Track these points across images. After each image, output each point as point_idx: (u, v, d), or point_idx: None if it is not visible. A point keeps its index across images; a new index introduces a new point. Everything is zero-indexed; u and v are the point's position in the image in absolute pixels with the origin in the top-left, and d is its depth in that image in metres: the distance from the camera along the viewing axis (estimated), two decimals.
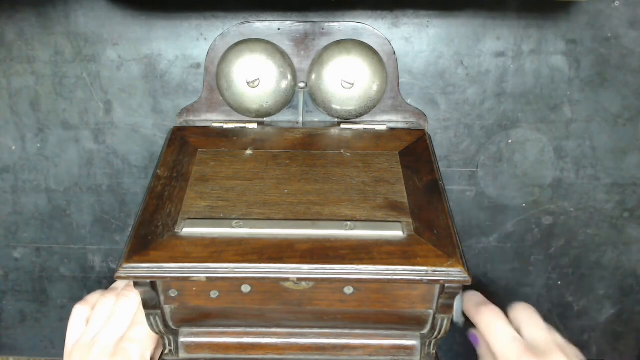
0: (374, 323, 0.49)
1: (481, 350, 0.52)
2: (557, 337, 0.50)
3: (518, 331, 0.50)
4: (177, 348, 0.50)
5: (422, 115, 0.61)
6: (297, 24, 0.59)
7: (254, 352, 0.50)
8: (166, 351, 0.50)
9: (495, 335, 0.50)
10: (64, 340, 0.55)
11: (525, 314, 0.51)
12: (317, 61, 0.59)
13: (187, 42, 0.60)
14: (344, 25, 0.59)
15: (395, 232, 0.45)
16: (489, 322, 0.51)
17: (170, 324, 0.49)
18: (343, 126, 0.60)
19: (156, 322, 0.47)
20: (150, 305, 0.46)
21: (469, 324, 0.53)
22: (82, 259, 0.71)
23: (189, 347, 0.50)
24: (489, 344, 0.50)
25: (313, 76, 0.59)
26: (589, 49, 0.60)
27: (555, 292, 0.72)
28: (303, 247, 0.44)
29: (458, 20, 0.59)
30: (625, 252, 0.70)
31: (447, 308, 0.46)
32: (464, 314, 0.53)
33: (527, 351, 0.48)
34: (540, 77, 0.62)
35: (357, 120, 0.61)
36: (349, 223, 0.46)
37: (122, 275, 0.43)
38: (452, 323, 0.48)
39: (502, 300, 0.54)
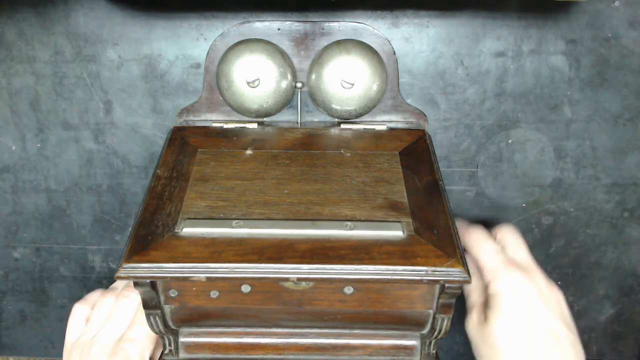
0: (374, 323, 0.49)
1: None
2: (534, 261, 0.55)
3: (502, 249, 0.54)
4: (177, 348, 0.50)
5: (422, 115, 0.61)
6: (297, 24, 0.59)
7: (254, 352, 0.50)
8: (166, 351, 0.50)
9: (481, 250, 0.53)
10: (64, 340, 0.55)
11: (508, 235, 0.55)
12: (317, 61, 0.59)
13: (187, 42, 0.60)
14: (344, 25, 0.59)
15: (395, 232, 0.45)
16: (476, 239, 0.54)
17: (170, 324, 0.49)
18: (343, 126, 0.60)
19: (156, 322, 0.47)
20: (150, 305, 0.46)
21: None
22: (82, 259, 0.71)
23: (189, 347, 0.50)
24: (475, 259, 0.53)
25: (313, 76, 0.59)
26: (589, 49, 0.60)
27: None
28: (303, 247, 0.44)
29: (458, 20, 0.59)
30: (625, 252, 0.70)
31: (447, 308, 0.46)
32: None
33: (510, 263, 0.52)
34: (540, 77, 0.62)
35: (357, 120, 0.61)
36: (349, 223, 0.46)
37: (122, 275, 0.43)
38: None
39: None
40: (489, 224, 0.68)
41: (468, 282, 0.42)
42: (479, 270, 0.53)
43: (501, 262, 0.52)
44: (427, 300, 0.46)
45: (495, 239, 0.55)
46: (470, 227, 0.56)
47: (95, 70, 0.62)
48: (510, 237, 0.55)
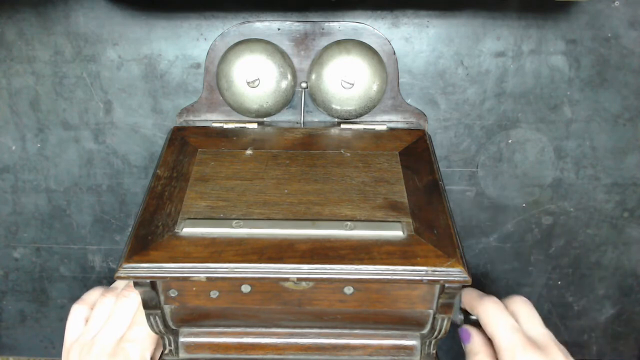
0: (374, 323, 0.49)
1: (472, 346, 0.53)
2: (551, 334, 0.52)
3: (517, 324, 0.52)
4: (177, 348, 0.50)
5: (422, 115, 0.61)
6: (297, 24, 0.59)
7: (254, 352, 0.50)
8: (166, 351, 0.50)
9: (498, 327, 0.50)
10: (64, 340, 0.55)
11: (523, 308, 0.53)
12: (317, 61, 0.59)
13: (187, 42, 0.60)
14: (344, 25, 0.59)
15: (395, 232, 0.45)
16: (492, 313, 0.51)
17: (170, 324, 0.49)
18: (343, 126, 0.60)
19: (156, 322, 0.47)
20: (150, 305, 0.46)
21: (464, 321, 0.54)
22: (82, 259, 0.71)
23: (189, 347, 0.50)
24: (491, 334, 0.51)
25: (313, 76, 0.59)
26: (589, 49, 0.60)
27: (555, 292, 0.72)
28: (303, 247, 0.44)
29: (458, 20, 0.59)
30: (625, 252, 0.70)
31: (447, 308, 0.46)
32: (461, 310, 0.54)
33: (528, 344, 0.49)
34: (540, 77, 0.62)
35: (357, 120, 0.61)
36: (349, 223, 0.46)
37: (122, 275, 0.43)
38: (451, 323, 0.48)
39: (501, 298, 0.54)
40: (489, 224, 0.69)
41: (468, 282, 0.42)
42: (495, 348, 0.51)
43: (519, 341, 0.49)
44: (427, 300, 0.46)
45: (508, 310, 0.53)
46: (484, 298, 0.53)
47: (95, 70, 0.62)
48: (524, 310, 0.53)
